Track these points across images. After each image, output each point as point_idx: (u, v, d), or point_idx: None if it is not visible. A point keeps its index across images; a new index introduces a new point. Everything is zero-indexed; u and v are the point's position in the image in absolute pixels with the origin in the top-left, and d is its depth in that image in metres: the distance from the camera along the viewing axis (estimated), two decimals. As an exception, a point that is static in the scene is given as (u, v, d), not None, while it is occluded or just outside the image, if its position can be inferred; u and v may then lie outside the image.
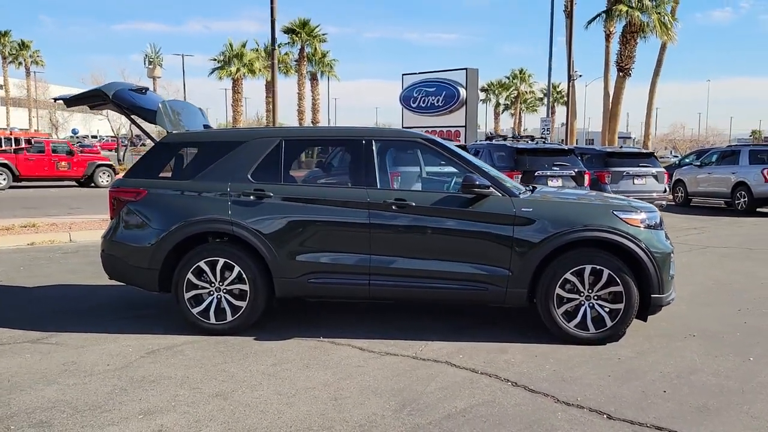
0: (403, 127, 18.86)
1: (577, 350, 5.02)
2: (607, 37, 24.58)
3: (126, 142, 38.28)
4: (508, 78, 61.65)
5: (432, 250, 5.26)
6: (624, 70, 23.57)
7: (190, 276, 5.37)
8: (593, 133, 59.62)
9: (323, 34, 46.64)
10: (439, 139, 5.67)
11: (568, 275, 5.13)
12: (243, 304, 5.36)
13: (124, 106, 5.78)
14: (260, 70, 43.07)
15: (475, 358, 4.82)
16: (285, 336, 5.36)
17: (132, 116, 6.02)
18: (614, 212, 5.21)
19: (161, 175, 5.74)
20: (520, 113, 67.41)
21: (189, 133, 5.90)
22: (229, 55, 43.55)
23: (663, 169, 15.49)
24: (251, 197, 5.37)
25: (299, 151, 5.62)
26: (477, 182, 5.14)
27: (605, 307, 5.14)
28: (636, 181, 14.41)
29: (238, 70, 42.82)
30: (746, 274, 8.29)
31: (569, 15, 24.52)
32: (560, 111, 58.75)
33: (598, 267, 5.10)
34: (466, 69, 17.06)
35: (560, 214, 5.18)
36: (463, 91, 16.97)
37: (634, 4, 22.64)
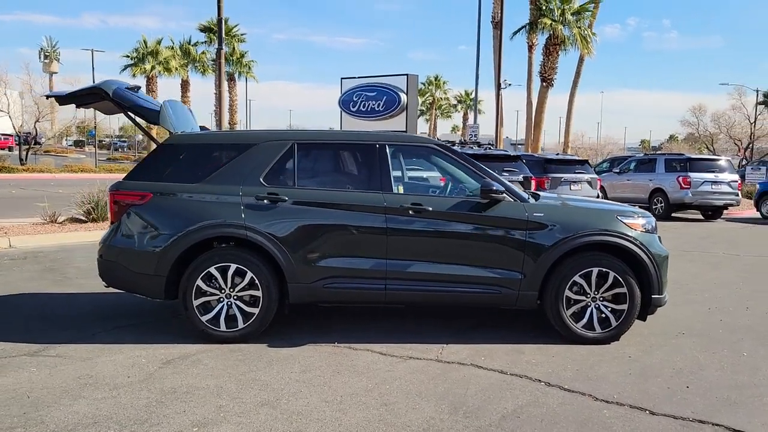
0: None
1: (587, 350, 5.23)
2: (530, 48, 25.57)
3: (27, 139, 35.64)
4: (424, 84, 62.74)
5: (448, 254, 5.34)
6: (547, 81, 24.60)
7: (199, 282, 5.20)
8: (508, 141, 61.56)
9: (242, 34, 45.84)
10: (449, 146, 5.76)
11: (576, 278, 5.34)
12: (255, 310, 5.23)
13: (125, 105, 5.51)
14: (176, 68, 41.75)
15: (497, 360, 4.94)
16: (298, 342, 5.28)
17: (131, 115, 5.76)
18: (618, 217, 5.48)
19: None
20: (435, 119, 68.76)
21: (195, 134, 5.71)
22: (143, 52, 41.89)
23: (596, 176, 16.30)
24: (265, 201, 5.26)
25: (312, 154, 5.54)
26: (494, 187, 5.27)
27: (610, 307, 5.39)
28: (573, 187, 15.08)
29: (153, 68, 41.24)
30: (694, 275, 8.88)
31: (497, 25, 25.39)
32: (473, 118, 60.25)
33: (604, 270, 5.34)
34: (406, 75, 17.29)
35: (570, 219, 5.38)
36: (404, 97, 17.19)
37: (557, 18, 23.70)
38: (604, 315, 5.39)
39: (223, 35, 13.21)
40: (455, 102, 70.83)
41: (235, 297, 5.25)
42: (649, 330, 5.83)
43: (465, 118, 58.35)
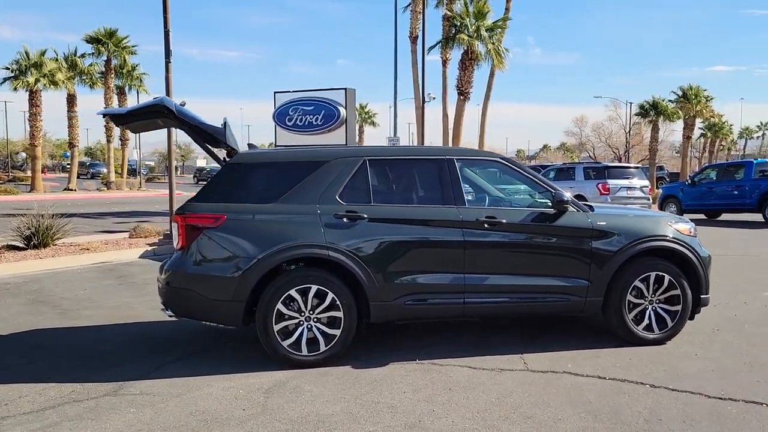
0: (276, 146, 18.52)
1: (653, 351, 5.48)
2: (444, 63, 26.38)
3: None
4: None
5: (521, 265, 5.44)
6: (464, 94, 25.42)
7: (279, 306, 4.99)
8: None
9: (133, 46, 43.62)
10: (513, 160, 5.88)
11: (636, 282, 5.61)
12: (337, 332, 5.09)
13: (191, 124, 5.19)
14: (63, 81, 39.03)
15: (584, 366, 5.07)
16: (380, 362, 5.18)
17: (193, 134, 5.43)
18: (669, 223, 5.83)
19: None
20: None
21: (261, 152, 5.48)
22: (25, 63, 38.81)
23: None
24: (344, 219, 5.14)
25: (383, 170, 5.45)
26: (566, 199, 5.44)
27: (666, 309, 5.70)
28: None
29: (37, 80, 38.29)
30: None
31: (414, 41, 25.98)
32: (368, 131, 60.98)
33: (660, 273, 5.64)
34: (345, 89, 17.21)
35: (630, 226, 5.64)
36: (343, 111, 17.10)
37: (472, 34, 24.57)
38: (661, 317, 5.69)
39: (170, 47, 12.61)
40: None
41: (314, 319, 5.08)
42: (686, 329, 6.19)
43: (361, 131, 58.81)
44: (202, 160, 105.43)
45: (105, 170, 53.70)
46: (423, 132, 22.88)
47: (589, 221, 5.55)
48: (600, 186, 19.23)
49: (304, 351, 5.04)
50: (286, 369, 5.00)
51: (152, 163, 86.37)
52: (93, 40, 41.81)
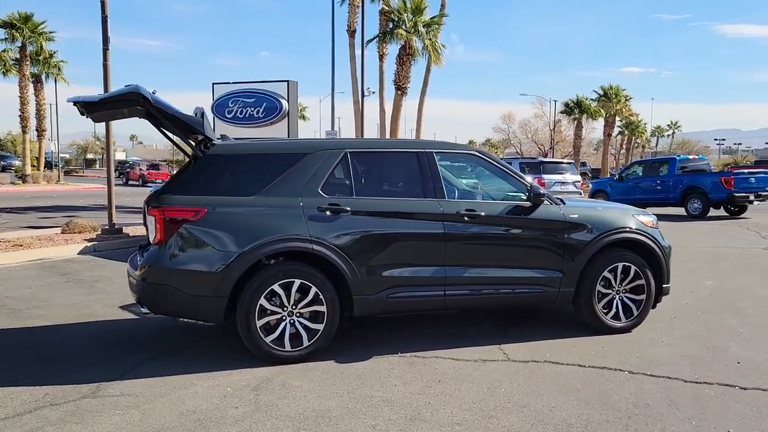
0: (214, 138, 18.06)
1: (621, 339, 5.67)
2: (381, 57, 26.36)
3: None
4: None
5: (499, 257, 5.52)
6: (401, 89, 25.50)
7: (262, 301, 4.87)
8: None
9: (50, 32, 41.46)
10: (490, 153, 5.95)
11: (605, 273, 5.80)
12: (320, 327, 5.02)
13: (166, 114, 4.96)
14: (-24, 68, 36.67)
15: (563, 355, 5.20)
16: (362, 356, 5.15)
17: (161, 126, 5.22)
18: (634, 215, 6.05)
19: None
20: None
21: (240, 144, 5.30)
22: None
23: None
24: (327, 212, 5.06)
25: (365, 163, 5.39)
26: (542, 192, 5.56)
27: (631, 298, 5.92)
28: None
29: (-56, 67, 35.77)
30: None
31: (352, 34, 25.86)
32: (299, 125, 60.30)
33: (627, 264, 5.85)
34: (287, 81, 16.93)
35: (599, 219, 5.81)
36: (285, 104, 16.83)
37: (410, 30, 24.69)
38: (627, 306, 5.90)
39: (108, 34, 12.03)
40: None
41: (297, 314, 4.99)
42: (647, 317, 6.43)
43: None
44: (122, 153, 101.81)
45: (18, 162, 50.94)
46: (363, 126, 22.88)
47: (562, 214, 5.69)
48: (535, 181, 19.75)
49: (288, 346, 4.95)
50: (268, 365, 4.89)
51: (68, 156, 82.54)
52: (6, 25, 39.50)
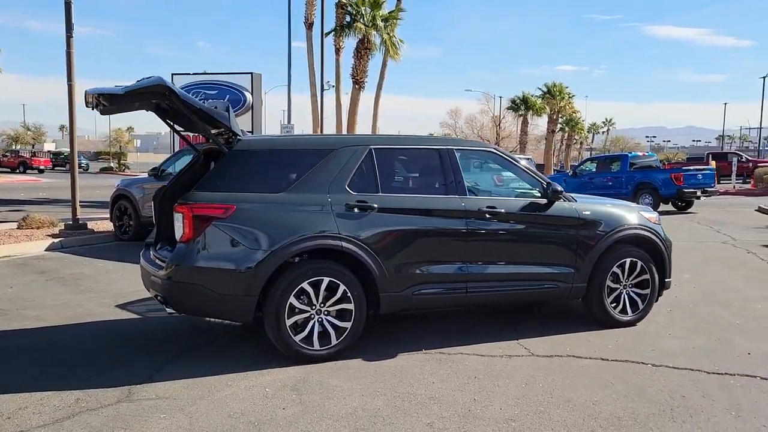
0: (174, 131, 17.61)
1: (627, 332, 5.83)
2: (337, 51, 26.18)
3: None
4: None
5: (518, 253, 5.59)
6: (359, 83, 25.35)
7: (292, 300, 4.80)
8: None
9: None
10: (505, 151, 6.00)
11: (614, 268, 5.96)
12: (347, 325, 4.98)
13: (193, 108, 4.81)
14: None
15: (580, 349, 5.31)
16: (389, 353, 5.14)
17: (168, 119, 5.06)
18: (640, 212, 6.23)
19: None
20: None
21: (266, 139, 5.21)
22: None
23: None
24: (355, 209, 5.02)
25: (388, 159, 5.34)
26: (560, 189, 5.66)
27: (637, 292, 6.10)
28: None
29: None
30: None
31: (310, 27, 25.56)
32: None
33: (634, 259, 6.02)
34: (251, 73, 16.63)
35: (609, 216, 5.96)
36: (249, 96, 16.54)
37: (368, 23, 24.57)
38: (633, 300, 6.08)
39: (72, 20, 11.51)
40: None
41: (325, 312, 4.94)
42: (644, 310, 6.63)
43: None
44: (51, 144, 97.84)
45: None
46: (322, 120, 22.67)
47: (576, 210, 5.80)
48: (495, 177, 20.04)
49: (316, 345, 4.89)
50: (296, 365, 4.82)
51: (-4, 147, 78.83)
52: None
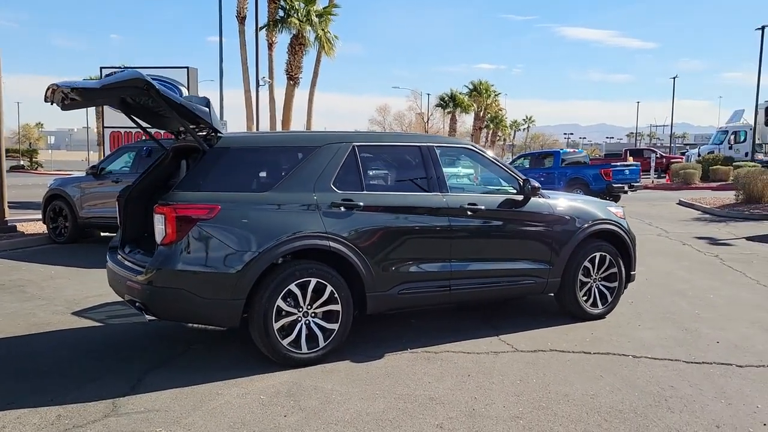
0: (104, 127, 16.91)
1: (599, 325, 5.96)
2: (270, 46, 25.69)
3: None
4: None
5: (497, 250, 5.61)
6: (294, 79, 24.94)
7: (279, 302, 4.63)
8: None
9: None
10: (482, 148, 6.00)
11: (585, 263, 6.08)
12: (335, 326, 4.86)
13: (172, 104, 4.55)
14: None
15: (561, 343, 5.38)
16: (375, 354, 5.05)
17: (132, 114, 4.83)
18: (608, 207, 6.38)
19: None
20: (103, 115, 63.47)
21: (249, 136, 5.01)
22: None
23: None
24: (341, 208, 4.90)
25: (371, 157, 5.23)
26: (538, 185, 5.71)
27: (606, 286, 6.25)
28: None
29: None
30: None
31: (242, 21, 24.95)
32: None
33: (603, 254, 6.17)
34: (187, 68, 16.05)
35: (580, 211, 6.07)
36: (185, 91, 15.66)
37: (303, 19, 24.21)
38: (603, 293, 6.22)
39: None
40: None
41: (312, 314, 4.80)
42: (608, 303, 6.81)
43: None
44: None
45: None
46: (258, 116, 22.16)
47: (550, 206, 5.88)
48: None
49: (304, 348, 4.74)
50: (282, 369, 4.66)
51: None
52: None
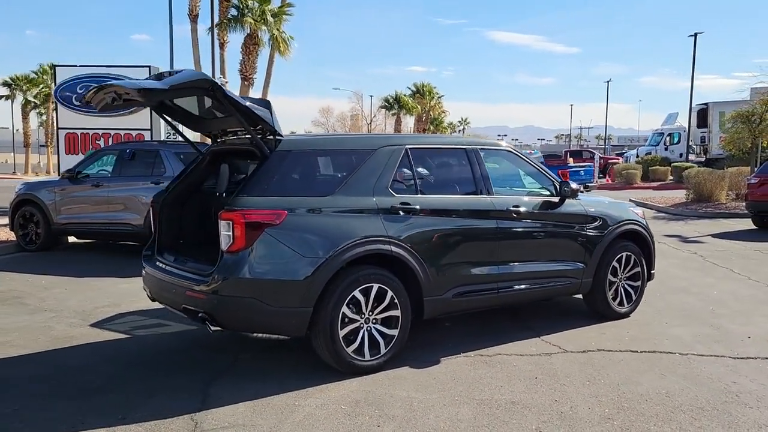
0: (58, 128, 16.07)
1: (628, 323, 6.08)
2: (222, 45, 25.04)
3: None
4: (37, 74, 54.79)
5: (538, 252, 5.65)
6: (248, 79, 24.42)
7: (345, 309, 4.51)
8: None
9: None
10: (519, 150, 6.00)
11: (614, 262, 6.19)
12: (395, 332, 4.77)
13: (239, 106, 4.36)
14: None
15: (605, 343, 5.44)
16: (432, 360, 4.98)
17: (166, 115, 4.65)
18: (630, 208, 6.52)
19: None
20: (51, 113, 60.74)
21: (308, 139, 4.86)
22: None
23: None
24: (400, 212, 4.81)
25: (422, 160, 5.13)
26: (576, 187, 5.77)
27: (631, 285, 6.38)
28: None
29: None
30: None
31: (195, 19, 24.19)
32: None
33: (629, 253, 6.29)
34: (149, 66, 15.38)
35: (609, 212, 6.17)
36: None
37: (257, 18, 23.73)
38: (628, 292, 6.35)
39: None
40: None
41: (373, 321, 4.70)
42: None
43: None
44: None
45: None
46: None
47: (583, 208, 5.96)
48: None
49: (367, 356, 4.64)
50: (344, 377, 4.55)
51: None
52: None
